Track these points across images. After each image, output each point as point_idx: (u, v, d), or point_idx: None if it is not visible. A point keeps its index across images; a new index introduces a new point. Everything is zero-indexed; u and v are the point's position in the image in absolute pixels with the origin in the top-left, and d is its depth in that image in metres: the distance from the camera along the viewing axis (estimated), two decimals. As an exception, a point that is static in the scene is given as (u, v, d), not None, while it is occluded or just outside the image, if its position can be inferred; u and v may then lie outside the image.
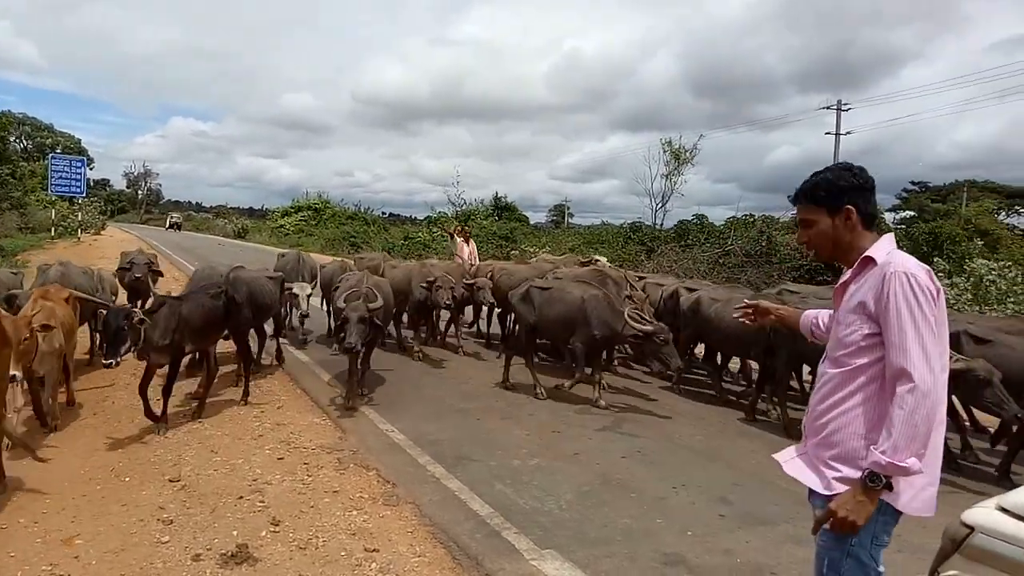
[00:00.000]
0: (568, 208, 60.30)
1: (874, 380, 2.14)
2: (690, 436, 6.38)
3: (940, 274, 14.90)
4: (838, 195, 2.23)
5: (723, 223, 23.79)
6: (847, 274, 2.27)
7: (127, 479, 4.91)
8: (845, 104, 33.59)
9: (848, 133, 34.04)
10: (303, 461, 5.38)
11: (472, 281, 9.86)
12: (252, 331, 7.83)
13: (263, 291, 8.08)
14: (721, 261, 19.57)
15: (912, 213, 36.76)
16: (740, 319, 2.97)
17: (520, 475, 5.23)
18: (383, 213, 57.02)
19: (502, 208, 36.71)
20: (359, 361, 7.23)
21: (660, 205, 28.47)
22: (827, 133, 33.72)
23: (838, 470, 2.15)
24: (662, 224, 27.47)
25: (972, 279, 12.84)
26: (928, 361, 2.00)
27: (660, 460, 5.69)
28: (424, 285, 9.09)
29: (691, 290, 8.63)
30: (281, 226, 49.99)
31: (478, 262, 12.88)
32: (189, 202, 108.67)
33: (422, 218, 45.29)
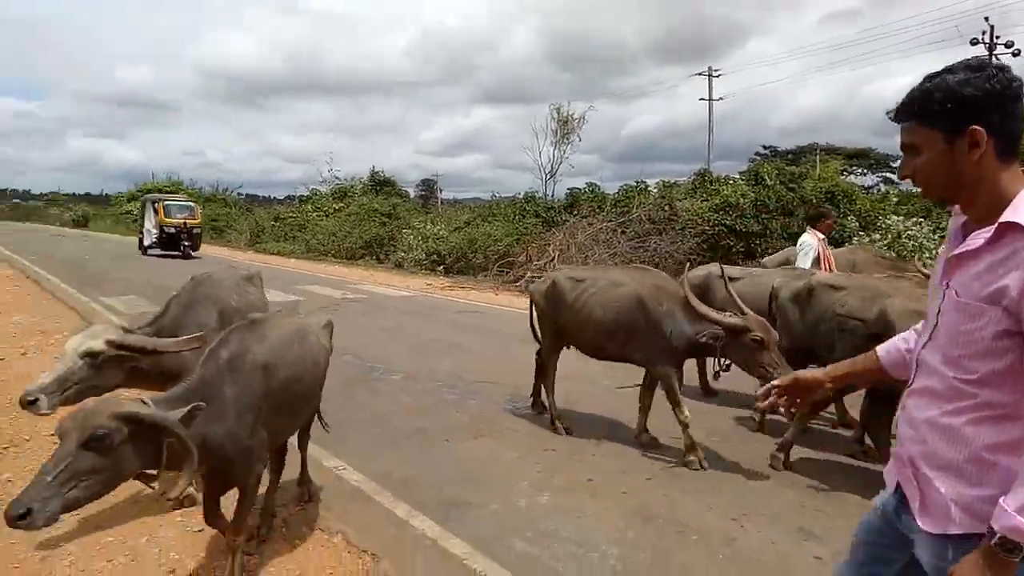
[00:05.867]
0: (437, 183, 58.94)
1: (1007, 395, 1.48)
2: (701, 440, 5.37)
3: (852, 232, 15.03)
4: (961, 109, 1.51)
5: (616, 191, 23.25)
6: (976, 240, 1.52)
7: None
8: (716, 70, 34.44)
9: (720, 99, 34.94)
10: (234, 531, 3.86)
11: None
12: None
13: None
14: (623, 230, 18.96)
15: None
16: (763, 409, 2.05)
17: (537, 522, 3.99)
18: (240, 194, 53.27)
19: (380, 183, 34.60)
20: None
21: (549, 176, 27.67)
22: (701, 99, 34.43)
23: (950, 498, 1.55)
24: (553, 195, 26.67)
25: (890, 235, 12.80)
26: None
27: (693, 480, 4.63)
28: None
29: None
30: (128, 212, 45.17)
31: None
32: (14, 190, 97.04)
33: (282, 197, 42.06)
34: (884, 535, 1.79)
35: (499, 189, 62.98)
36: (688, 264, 7.16)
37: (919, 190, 1.68)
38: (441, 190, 56.11)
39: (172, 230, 23.94)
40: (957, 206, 1.64)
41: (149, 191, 46.93)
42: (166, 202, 25.18)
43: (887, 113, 1.68)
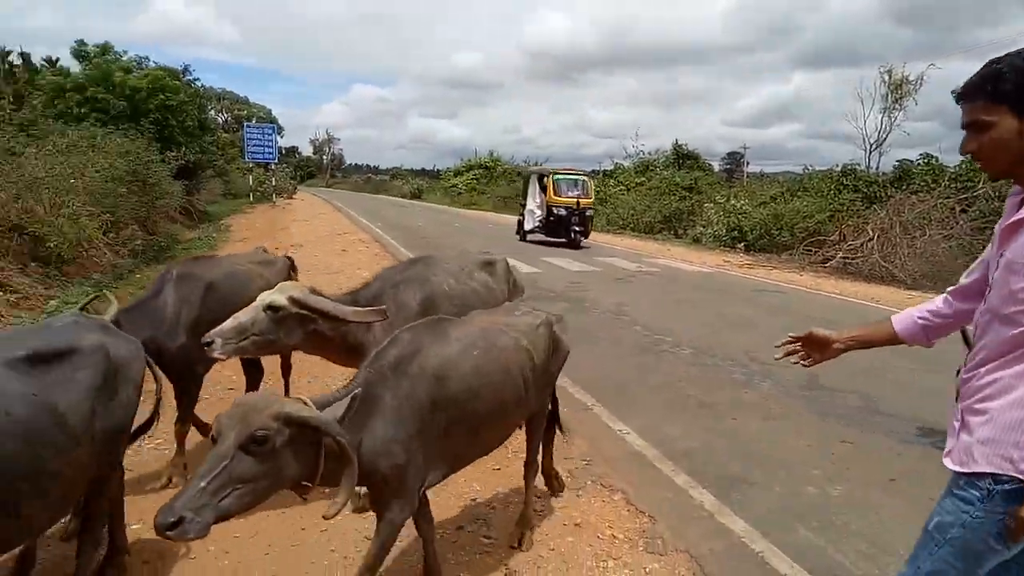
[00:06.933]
0: (744, 156, 56.23)
1: None
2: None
3: None
4: None
5: (957, 164, 20.10)
6: None
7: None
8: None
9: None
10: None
11: None
12: None
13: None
14: (965, 209, 16.38)
15: None
16: (781, 359, 2.23)
17: (826, 512, 3.78)
18: (551, 168, 55.82)
19: (683, 156, 34.13)
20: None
21: (875, 146, 24.86)
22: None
23: (977, 439, 1.66)
24: (878, 167, 23.93)
25: None
26: None
27: None
28: None
29: None
30: (454, 185, 50.51)
31: None
32: (367, 165, 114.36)
33: (588, 171, 43.27)
34: None
35: (813, 161, 58.06)
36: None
37: (979, 165, 1.76)
38: (748, 163, 53.61)
39: (562, 211, 18.22)
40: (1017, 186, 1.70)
41: (471, 167, 51.87)
42: (556, 176, 18.90)
43: (952, 92, 1.73)
